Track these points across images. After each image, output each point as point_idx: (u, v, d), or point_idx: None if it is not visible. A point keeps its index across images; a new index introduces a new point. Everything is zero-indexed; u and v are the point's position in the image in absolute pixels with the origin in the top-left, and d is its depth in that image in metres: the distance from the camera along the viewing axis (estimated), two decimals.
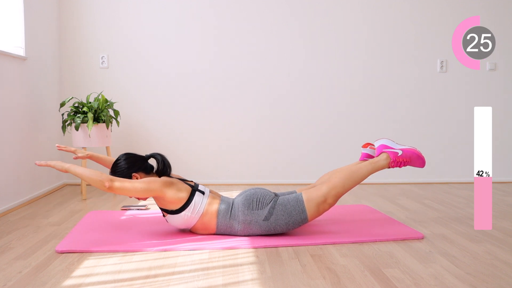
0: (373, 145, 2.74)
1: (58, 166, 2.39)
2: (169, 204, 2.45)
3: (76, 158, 2.74)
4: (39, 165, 2.42)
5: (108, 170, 2.66)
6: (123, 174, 2.53)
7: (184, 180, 2.59)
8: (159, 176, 2.59)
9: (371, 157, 2.73)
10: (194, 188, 2.53)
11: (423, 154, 2.65)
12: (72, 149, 2.72)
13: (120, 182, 2.36)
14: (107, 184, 2.32)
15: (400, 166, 2.54)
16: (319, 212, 2.50)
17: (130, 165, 2.54)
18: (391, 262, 2.15)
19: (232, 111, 4.35)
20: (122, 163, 2.55)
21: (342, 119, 4.41)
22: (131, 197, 2.42)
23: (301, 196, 2.49)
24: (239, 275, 2.00)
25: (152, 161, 2.67)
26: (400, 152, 2.50)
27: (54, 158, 4.05)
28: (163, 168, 2.58)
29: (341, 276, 1.98)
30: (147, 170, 2.59)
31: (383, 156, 2.54)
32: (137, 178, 2.53)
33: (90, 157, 2.76)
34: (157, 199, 2.47)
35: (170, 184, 2.44)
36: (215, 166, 4.37)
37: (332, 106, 4.40)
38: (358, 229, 2.68)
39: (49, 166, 2.41)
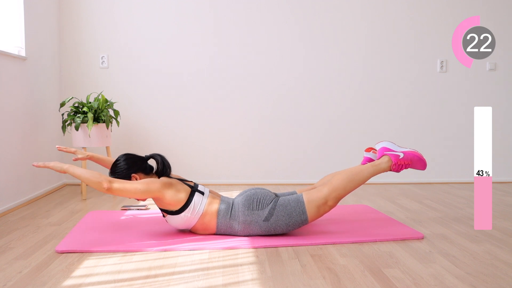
0: (376, 149, 2.76)
1: (57, 167, 2.37)
2: (168, 205, 2.45)
3: (76, 159, 2.72)
4: (37, 166, 2.41)
5: (108, 171, 2.66)
6: (122, 174, 2.52)
7: (183, 181, 2.58)
8: (159, 177, 2.58)
9: (373, 160, 2.74)
10: (194, 189, 2.53)
11: (424, 156, 2.65)
12: (72, 150, 2.70)
13: (119, 184, 2.35)
14: (105, 185, 2.31)
15: (401, 169, 2.54)
16: (319, 214, 2.51)
17: (130, 166, 2.53)
18: (391, 262, 2.15)
19: (232, 111, 4.35)
20: (122, 164, 2.54)
21: (342, 119, 4.41)
22: (130, 197, 2.42)
23: (302, 197, 2.49)
24: (239, 275, 2.00)
25: (152, 162, 2.67)
26: (401, 155, 2.51)
27: (54, 158, 4.05)
28: (163, 169, 2.58)
29: (341, 276, 1.98)
30: (147, 171, 2.59)
31: (385, 159, 2.54)
32: (136, 179, 2.52)
33: (90, 158, 2.75)
34: (156, 200, 2.47)
35: (169, 185, 2.44)
36: (215, 166, 4.37)
37: (332, 106, 4.40)
38: (358, 229, 2.68)
39: (47, 167, 2.38)
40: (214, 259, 2.20)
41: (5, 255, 2.26)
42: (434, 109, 4.46)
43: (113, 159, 2.74)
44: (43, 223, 2.86)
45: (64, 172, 2.37)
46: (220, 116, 4.35)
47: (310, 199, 2.49)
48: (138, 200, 2.51)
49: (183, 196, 2.45)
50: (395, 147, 2.55)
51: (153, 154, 2.61)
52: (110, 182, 2.33)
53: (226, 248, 2.36)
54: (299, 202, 2.48)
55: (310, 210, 2.48)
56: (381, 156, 2.56)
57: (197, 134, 4.35)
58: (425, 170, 2.55)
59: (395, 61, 4.42)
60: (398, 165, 2.50)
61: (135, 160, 2.57)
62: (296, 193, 2.72)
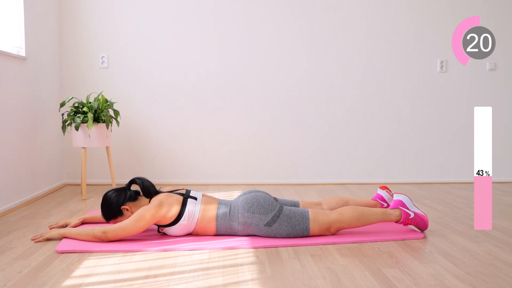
0: (390, 190, 2.93)
1: (55, 236, 2.48)
2: (164, 222, 2.48)
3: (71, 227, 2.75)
4: (36, 241, 2.46)
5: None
6: (113, 212, 2.55)
7: (173, 191, 2.59)
8: (147, 197, 2.60)
9: (384, 200, 2.89)
10: (186, 196, 2.54)
11: (429, 223, 2.74)
12: (62, 222, 2.75)
13: (113, 232, 2.40)
14: (102, 238, 2.40)
15: (405, 225, 2.65)
16: (319, 234, 2.54)
17: (116, 201, 2.55)
18: (391, 262, 2.15)
19: (232, 111, 4.35)
20: (108, 203, 2.56)
21: (342, 119, 4.41)
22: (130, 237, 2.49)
23: (308, 214, 2.52)
24: (239, 275, 2.00)
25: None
26: (412, 215, 2.61)
27: (54, 158, 4.06)
28: (145, 190, 2.58)
29: (341, 276, 1.98)
30: (133, 198, 2.59)
31: (397, 212, 2.61)
32: (127, 210, 2.55)
33: (83, 222, 2.78)
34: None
35: (159, 207, 2.44)
36: (215, 166, 4.37)
37: (332, 107, 4.40)
38: (358, 229, 2.68)
39: (46, 238, 2.47)
40: (214, 259, 2.20)
41: (5, 255, 2.26)
42: (434, 109, 4.46)
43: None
44: (43, 223, 2.86)
45: (63, 237, 2.48)
46: (220, 116, 4.35)
47: (316, 219, 2.51)
48: None
49: (175, 209, 2.47)
50: (410, 205, 2.65)
51: (132, 179, 2.61)
52: (104, 233, 2.41)
53: (226, 248, 2.36)
54: (305, 218, 2.50)
55: (313, 228, 2.51)
56: (394, 208, 2.64)
57: (197, 134, 4.35)
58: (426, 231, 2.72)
59: (395, 61, 4.42)
60: (405, 222, 2.60)
61: (118, 193, 2.58)
62: (299, 204, 2.76)
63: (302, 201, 2.80)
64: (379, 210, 2.60)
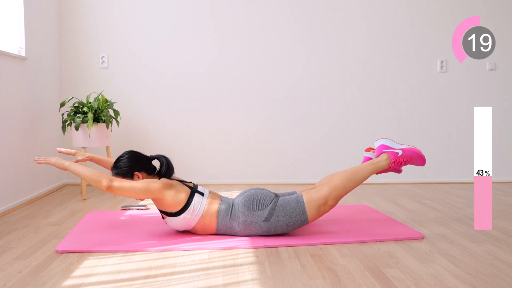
0: (375, 149, 2.75)
1: (58, 164, 2.40)
2: (168, 206, 2.45)
3: (76, 161, 2.72)
4: (38, 163, 2.43)
5: (109, 171, 2.65)
6: (124, 171, 2.51)
7: (183, 182, 2.58)
8: (159, 178, 2.58)
9: None
10: (193, 190, 2.52)
11: (423, 153, 2.62)
12: (72, 151, 2.69)
13: (119, 182, 2.35)
14: (105, 183, 2.32)
15: (400, 166, 2.52)
16: (319, 214, 2.50)
17: (133, 164, 2.53)
18: (391, 262, 2.15)
19: (232, 110, 4.35)
20: (125, 161, 2.53)
21: (342, 119, 4.41)
22: (129, 197, 2.43)
23: (302, 197, 2.49)
24: (239, 275, 2.00)
25: (156, 162, 2.67)
26: (400, 152, 2.48)
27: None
28: (166, 171, 2.57)
29: (341, 276, 1.98)
30: (150, 171, 2.58)
31: (384, 156, 2.53)
32: (138, 178, 2.52)
33: (91, 159, 2.74)
34: (156, 201, 2.47)
35: (169, 186, 2.43)
36: (215, 166, 4.37)
37: (333, 107, 4.40)
38: (358, 229, 2.68)
39: (49, 163, 2.41)
40: (214, 259, 2.20)
41: (5, 255, 2.26)
42: (434, 109, 4.46)
43: (112, 159, 2.74)
44: (43, 223, 2.86)
45: (65, 169, 2.39)
46: (220, 116, 4.35)
47: (310, 199, 2.48)
48: (137, 199, 2.50)
49: (183, 197, 2.45)
50: (393, 144, 2.53)
51: (158, 155, 2.61)
52: (110, 180, 2.34)
53: (226, 248, 2.36)
54: (299, 202, 2.48)
55: (310, 210, 2.47)
56: (380, 154, 2.54)
57: (197, 134, 4.35)
58: (424, 166, 2.51)
59: (395, 61, 4.42)
60: (397, 162, 2.48)
61: (140, 158, 2.57)
62: (296, 193, 2.72)
63: (299, 190, 2.77)
64: (367, 163, 2.52)
